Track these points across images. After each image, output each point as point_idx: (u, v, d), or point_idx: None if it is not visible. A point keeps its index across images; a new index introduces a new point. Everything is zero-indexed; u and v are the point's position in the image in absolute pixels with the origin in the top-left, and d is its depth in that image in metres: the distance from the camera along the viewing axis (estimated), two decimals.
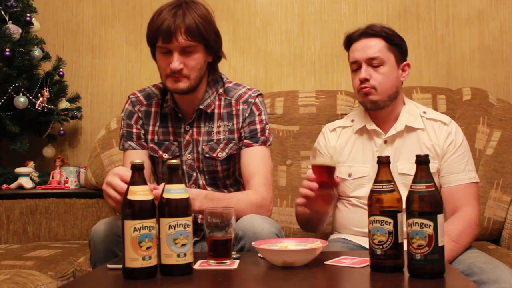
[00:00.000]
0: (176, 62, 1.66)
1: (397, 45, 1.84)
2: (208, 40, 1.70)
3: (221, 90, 1.82)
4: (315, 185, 1.59)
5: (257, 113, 1.80)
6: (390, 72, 1.82)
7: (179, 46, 1.65)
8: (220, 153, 1.79)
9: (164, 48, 1.67)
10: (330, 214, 1.82)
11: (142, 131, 1.82)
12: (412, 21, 2.75)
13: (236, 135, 1.79)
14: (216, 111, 1.80)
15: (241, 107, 1.80)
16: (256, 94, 1.82)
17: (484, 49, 2.72)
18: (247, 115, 1.79)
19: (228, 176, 1.84)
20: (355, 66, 1.85)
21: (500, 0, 2.71)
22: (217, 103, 1.81)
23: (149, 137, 1.82)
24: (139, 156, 1.78)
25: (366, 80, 1.80)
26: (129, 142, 1.81)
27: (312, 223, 1.85)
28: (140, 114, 1.82)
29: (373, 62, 1.81)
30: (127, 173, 1.39)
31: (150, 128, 1.82)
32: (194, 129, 1.80)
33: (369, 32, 1.84)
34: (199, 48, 1.69)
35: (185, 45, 1.65)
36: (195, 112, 1.78)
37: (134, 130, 1.82)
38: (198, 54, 1.69)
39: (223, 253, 1.34)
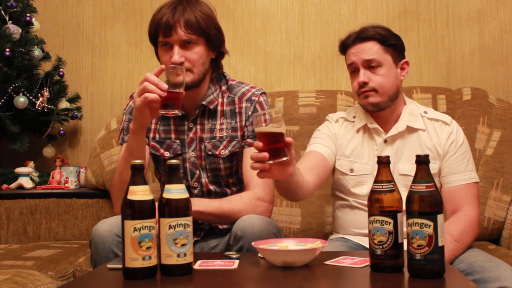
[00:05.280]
0: (177, 55, 1.67)
1: (392, 45, 1.83)
2: (209, 34, 1.71)
3: (224, 88, 1.83)
4: (265, 155, 1.38)
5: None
6: (389, 73, 1.82)
7: (179, 39, 1.67)
8: (222, 150, 1.79)
9: (164, 42, 1.69)
10: (299, 177, 1.62)
11: None
12: (412, 21, 2.75)
13: (239, 133, 1.80)
14: (219, 108, 1.80)
15: (244, 105, 1.80)
16: (260, 92, 1.83)
17: (484, 49, 2.72)
18: (250, 113, 1.79)
19: (231, 174, 1.84)
20: (353, 68, 1.85)
21: (500, 0, 2.71)
22: (220, 100, 1.81)
23: (151, 135, 1.82)
24: None
25: (365, 83, 1.80)
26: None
27: (288, 190, 1.67)
28: None
29: (370, 64, 1.81)
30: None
31: (152, 126, 1.82)
32: (198, 126, 1.80)
33: (363, 36, 1.82)
34: (199, 42, 1.70)
35: (185, 38, 1.67)
36: (198, 109, 1.79)
37: None
38: (199, 47, 1.70)
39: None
